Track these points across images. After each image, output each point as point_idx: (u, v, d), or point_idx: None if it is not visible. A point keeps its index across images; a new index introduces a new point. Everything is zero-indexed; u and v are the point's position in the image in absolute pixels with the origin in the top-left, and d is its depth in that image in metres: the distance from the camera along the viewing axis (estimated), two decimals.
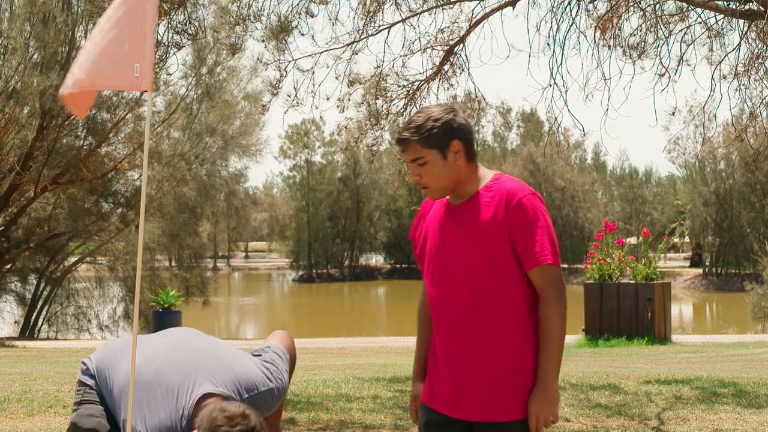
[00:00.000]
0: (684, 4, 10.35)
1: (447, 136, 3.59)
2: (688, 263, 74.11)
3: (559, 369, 3.54)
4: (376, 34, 10.46)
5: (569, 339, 19.69)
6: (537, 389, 3.49)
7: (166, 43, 9.90)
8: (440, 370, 3.67)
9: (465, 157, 3.63)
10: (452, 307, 3.59)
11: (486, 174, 3.67)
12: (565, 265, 73.82)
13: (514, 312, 3.54)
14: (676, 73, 10.57)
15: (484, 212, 3.56)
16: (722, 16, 10.36)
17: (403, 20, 10.44)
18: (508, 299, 3.53)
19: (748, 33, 10.41)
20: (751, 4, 9.44)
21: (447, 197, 3.72)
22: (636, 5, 10.29)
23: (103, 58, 4.14)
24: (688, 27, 10.67)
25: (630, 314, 18.05)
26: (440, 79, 10.82)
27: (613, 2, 10.15)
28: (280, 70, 10.21)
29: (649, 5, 10.35)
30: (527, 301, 3.56)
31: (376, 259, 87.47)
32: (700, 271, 65.15)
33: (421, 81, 10.82)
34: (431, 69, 10.77)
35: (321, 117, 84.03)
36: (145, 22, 4.25)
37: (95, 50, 4.43)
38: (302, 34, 10.09)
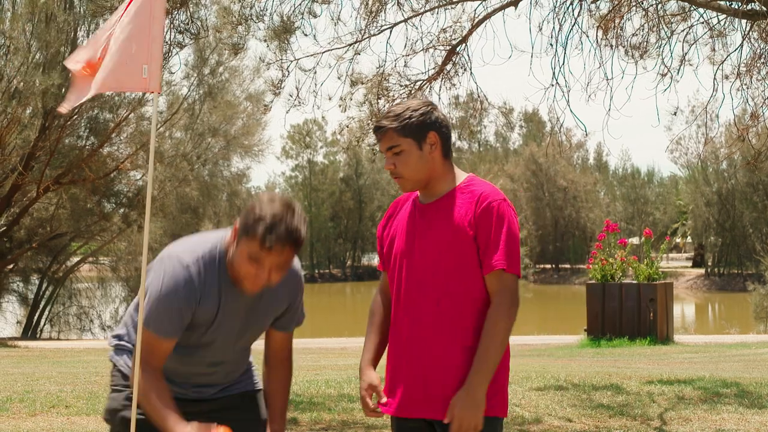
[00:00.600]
0: (686, 4, 10.35)
1: (424, 127, 3.58)
2: (690, 263, 74.04)
3: (491, 376, 3.45)
4: (379, 33, 10.47)
5: (571, 339, 19.70)
6: (463, 392, 3.43)
7: (169, 43, 9.90)
8: (400, 370, 3.63)
9: (441, 151, 3.62)
10: (416, 305, 3.56)
11: (459, 175, 3.67)
12: (567, 266, 73.93)
13: (478, 314, 3.52)
14: (678, 73, 10.58)
15: (456, 213, 3.55)
16: (724, 16, 10.35)
17: (405, 20, 10.44)
18: (473, 300, 3.52)
19: (751, 33, 10.41)
20: (753, 4, 9.43)
21: (417, 196, 3.71)
22: (638, 5, 10.29)
23: (112, 60, 4.17)
24: (690, 27, 10.68)
25: (632, 314, 18.03)
26: (442, 79, 10.82)
27: (616, 2, 10.15)
28: (282, 70, 10.21)
29: (652, 5, 10.35)
30: (488, 305, 3.54)
31: (378, 260, 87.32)
32: (702, 271, 65.11)
33: (424, 81, 10.82)
34: (433, 69, 10.77)
35: (323, 117, 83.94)
36: (153, 23, 4.25)
37: (108, 55, 4.48)
38: (305, 35, 10.10)
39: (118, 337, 3.76)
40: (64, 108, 4.59)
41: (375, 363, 3.77)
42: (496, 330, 3.45)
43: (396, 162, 3.61)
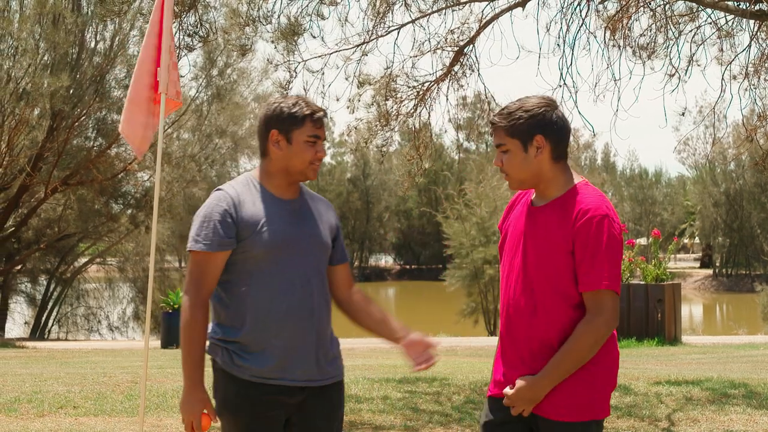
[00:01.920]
0: (694, 4, 10.34)
1: (532, 129, 3.53)
2: (698, 264, 73.92)
3: (559, 381, 3.47)
4: (386, 35, 10.48)
5: None
6: (533, 378, 3.49)
7: (178, 46, 9.92)
8: (499, 367, 3.69)
9: (550, 155, 3.56)
10: (516, 305, 3.58)
11: (571, 180, 3.61)
12: None
13: (570, 325, 3.51)
14: (686, 74, 10.57)
15: (558, 222, 3.52)
16: (732, 16, 10.34)
17: (412, 21, 10.45)
18: (569, 315, 3.51)
19: (759, 33, 10.40)
20: (761, 4, 9.42)
21: (533, 195, 3.68)
22: (646, 5, 10.28)
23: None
24: (698, 27, 10.66)
25: (640, 315, 18.02)
26: (450, 79, 10.83)
27: (623, 2, 10.14)
28: (290, 71, 10.23)
29: (659, 5, 10.33)
30: (579, 319, 3.52)
31: (386, 260, 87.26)
32: (710, 271, 64.99)
33: (431, 82, 10.83)
34: (441, 70, 10.77)
35: (331, 118, 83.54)
36: (164, 28, 4.37)
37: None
38: (313, 36, 10.11)
39: (216, 336, 3.85)
40: (139, 154, 5.23)
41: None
42: (580, 340, 3.44)
43: (503, 160, 3.61)
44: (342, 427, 3.95)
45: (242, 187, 3.79)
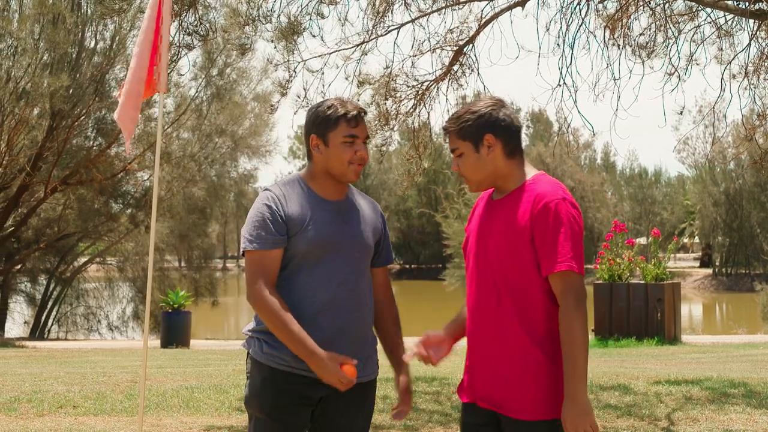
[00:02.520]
0: (693, 3, 10.33)
1: (480, 129, 3.61)
2: (697, 263, 73.91)
3: (586, 378, 3.46)
4: (386, 34, 10.47)
5: None
6: (567, 400, 3.43)
7: (177, 45, 9.92)
8: (468, 363, 3.71)
9: (503, 151, 3.62)
10: (480, 302, 3.61)
11: (529, 173, 3.66)
12: None
13: (532, 315, 3.51)
14: (685, 73, 10.57)
15: (515, 212, 3.55)
16: (732, 15, 10.34)
17: (412, 20, 10.44)
18: (536, 302, 3.51)
19: (758, 32, 10.40)
20: (760, 3, 9.42)
21: (492, 192, 3.73)
22: (645, 5, 10.28)
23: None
24: (697, 26, 10.66)
25: (640, 314, 18.02)
26: (450, 79, 10.82)
27: (623, 2, 10.14)
28: (289, 71, 10.22)
29: (659, 5, 10.33)
30: (546, 306, 3.52)
31: None
32: (709, 271, 64.95)
33: (431, 81, 10.82)
34: (441, 69, 10.77)
35: None
36: (161, 25, 4.39)
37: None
38: (313, 36, 10.10)
39: (249, 328, 3.95)
40: (127, 138, 5.24)
41: (451, 334, 3.86)
42: (572, 334, 3.43)
43: (459, 163, 3.68)
44: (369, 425, 4.03)
45: (289, 187, 3.91)
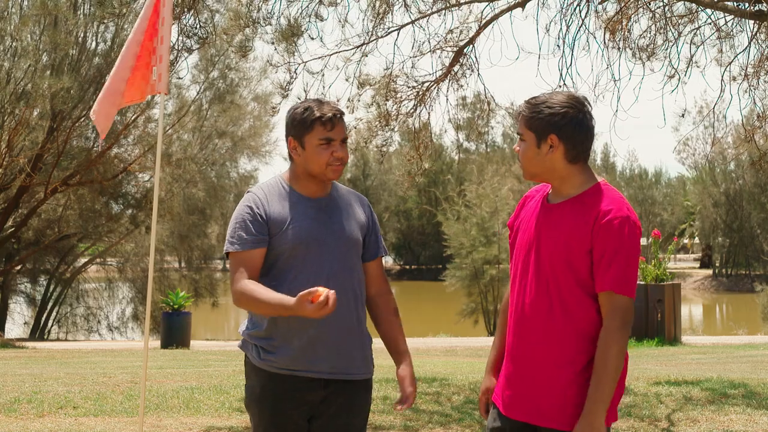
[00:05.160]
0: (693, 5, 10.34)
1: (547, 127, 3.49)
2: (698, 264, 73.89)
3: (608, 403, 3.38)
4: (386, 35, 10.48)
5: None
6: (582, 419, 3.36)
7: (177, 47, 9.93)
8: (506, 369, 3.63)
9: (564, 155, 3.51)
10: (530, 307, 3.52)
11: (589, 181, 3.55)
12: None
13: (581, 326, 3.44)
14: (685, 75, 10.57)
15: (576, 220, 3.46)
16: (732, 17, 10.34)
17: (412, 22, 10.45)
18: (580, 312, 3.44)
19: (758, 34, 10.40)
20: (760, 4, 9.42)
21: (547, 193, 3.63)
22: (645, 7, 10.29)
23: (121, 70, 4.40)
24: (697, 28, 10.67)
25: (640, 315, 18.03)
26: (450, 80, 10.83)
27: (623, 3, 10.15)
28: (289, 72, 10.23)
29: (659, 7, 10.34)
30: (595, 320, 3.45)
31: (386, 261, 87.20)
32: (710, 272, 64.99)
33: (431, 82, 10.83)
34: (441, 70, 10.78)
35: None
36: (162, 26, 4.38)
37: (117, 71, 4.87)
38: (312, 38, 10.12)
39: (244, 330, 3.98)
40: (102, 133, 5.17)
41: (499, 363, 3.78)
42: (608, 355, 3.36)
43: (520, 147, 3.59)
44: (366, 425, 4.02)
45: (270, 188, 3.96)
